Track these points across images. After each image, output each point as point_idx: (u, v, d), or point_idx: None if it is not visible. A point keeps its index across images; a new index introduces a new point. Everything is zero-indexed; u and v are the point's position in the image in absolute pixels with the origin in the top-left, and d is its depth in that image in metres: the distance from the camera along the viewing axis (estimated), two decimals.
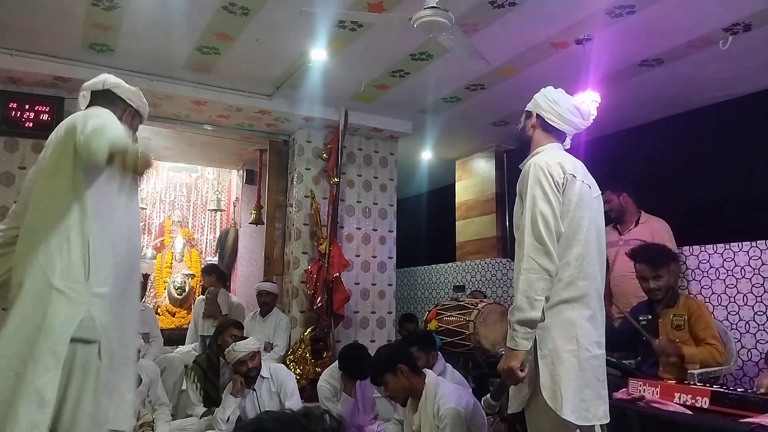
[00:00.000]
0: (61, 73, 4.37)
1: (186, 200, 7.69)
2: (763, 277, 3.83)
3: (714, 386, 2.40)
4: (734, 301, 3.97)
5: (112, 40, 4.07)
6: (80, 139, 1.81)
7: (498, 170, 6.41)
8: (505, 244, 6.20)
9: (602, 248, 2.25)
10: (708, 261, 4.14)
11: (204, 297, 5.38)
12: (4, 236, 1.99)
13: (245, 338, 3.93)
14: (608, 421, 2.10)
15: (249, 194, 6.80)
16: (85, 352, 1.77)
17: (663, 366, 3.02)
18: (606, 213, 2.57)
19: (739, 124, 4.64)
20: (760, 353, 3.77)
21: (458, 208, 6.94)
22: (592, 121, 2.39)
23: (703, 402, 2.25)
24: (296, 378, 4.17)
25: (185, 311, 6.81)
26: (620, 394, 2.50)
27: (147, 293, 6.62)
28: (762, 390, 2.37)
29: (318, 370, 4.65)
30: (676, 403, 2.32)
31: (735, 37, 3.77)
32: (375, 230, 5.77)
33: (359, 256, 5.65)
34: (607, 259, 2.71)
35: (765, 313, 3.81)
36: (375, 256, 5.73)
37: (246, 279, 6.78)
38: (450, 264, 6.79)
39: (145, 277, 5.74)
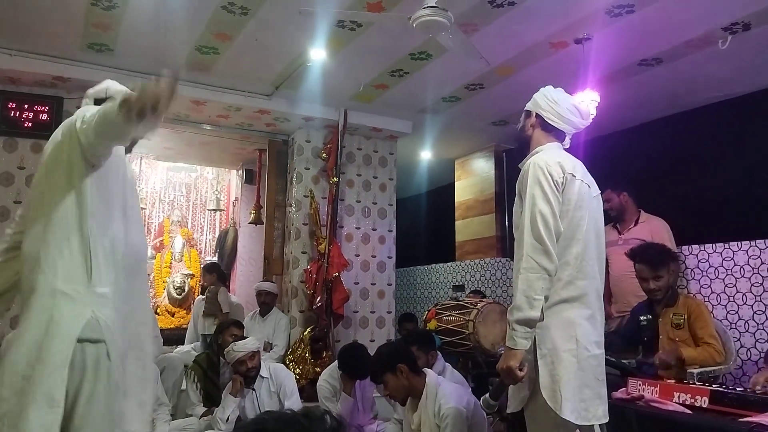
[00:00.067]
0: (61, 73, 4.37)
1: (185, 200, 7.69)
2: (762, 277, 3.84)
3: (713, 385, 2.40)
4: (733, 301, 3.97)
5: (112, 40, 4.07)
6: (82, 126, 1.79)
7: (497, 170, 6.41)
8: (504, 244, 6.20)
9: (601, 248, 2.25)
10: (707, 260, 4.14)
11: (204, 296, 5.39)
12: (11, 240, 1.99)
13: (245, 338, 3.93)
14: (607, 421, 2.10)
15: (248, 194, 6.80)
16: (93, 351, 1.76)
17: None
18: (606, 212, 2.58)
19: (738, 123, 4.65)
20: (760, 352, 3.77)
21: (458, 208, 6.94)
22: (591, 120, 2.39)
23: (703, 401, 2.25)
24: (296, 378, 4.17)
25: (185, 311, 6.81)
26: (619, 394, 2.50)
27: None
28: (758, 388, 2.38)
29: (317, 369, 4.66)
30: (676, 402, 2.32)
31: (734, 36, 3.77)
32: (374, 230, 5.77)
33: (359, 255, 5.66)
34: (607, 259, 2.71)
35: (764, 312, 3.82)
36: (374, 256, 5.73)
37: (245, 279, 6.78)
38: (449, 264, 6.80)
39: None
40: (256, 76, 4.68)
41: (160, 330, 5.15)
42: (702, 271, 4.17)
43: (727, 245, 4.04)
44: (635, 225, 4.12)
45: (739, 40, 3.80)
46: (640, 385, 2.48)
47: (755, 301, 3.86)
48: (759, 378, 2.52)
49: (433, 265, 7.05)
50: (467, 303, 4.39)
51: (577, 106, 2.32)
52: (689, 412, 2.26)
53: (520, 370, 2.01)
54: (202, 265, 6.67)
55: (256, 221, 6.16)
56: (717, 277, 4.08)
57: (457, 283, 6.48)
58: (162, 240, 7.32)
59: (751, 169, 4.48)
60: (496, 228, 6.33)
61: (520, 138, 2.39)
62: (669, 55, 4.10)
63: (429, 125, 5.73)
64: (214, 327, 4.62)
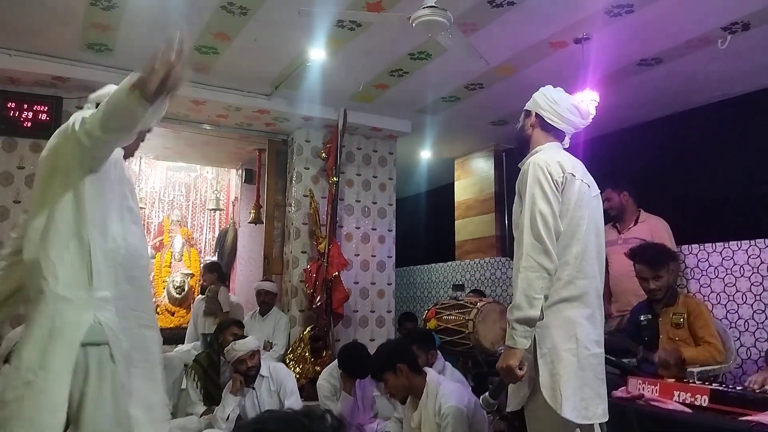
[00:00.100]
0: (60, 73, 4.37)
1: (185, 200, 7.68)
2: (762, 276, 3.84)
3: (713, 384, 2.40)
4: (733, 300, 3.98)
5: (111, 40, 4.07)
6: (82, 127, 1.76)
7: (497, 169, 6.42)
8: (504, 243, 6.20)
9: (601, 247, 2.26)
10: (707, 260, 4.15)
11: (204, 296, 5.39)
12: (16, 244, 1.99)
13: (245, 337, 3.94)
14: (607, 420, 2.10)
15: (248, 193, 6.80)
16: (97, 354, 1.76)
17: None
18: (606, 211, 2.57)
19: (738, 123, 4.65)
20: (759, 351, 3.78)
21: (457, 207, 6.95)
22: (591, 120, 2.39)
23: (703, 400, 2.25)
24: (296, 377, 4.17)
25: (184, 310, 6.80)
26: (620, 393, 2.50)
27: None
28: (756, 387, 2.38)
29: (317, 368, 4.66)
30: (676, 401, 2.32)
31: (734, 36, 3.77)
32: (374, 229, 5.77)
33: (358, 255, 5.66)
34: (606, 258, 2.71)
35: (764, 311, 3.82)
36: (374, 256, 5.73)
37: (245, 278, 6.78)
38: (449, 263, 6.80)
39: None
40: (256, 76, 4.68)
41: (160, 329, 5.14)
42: (702, 270, 4.17)
43: (726, 245, 4.04)
44: (635, 224, 4.12)
45: (739, 39, 3.80)
46: (640, 384, 2.49)
47: (755, 301, 3.86)
48: (758, 378, 2.52)
49: (432, 265, 7.05)
50: (467, 302, 4.39)
51: (576, 105, 2.32)
52: (689, 410, 2.26)
53: (520, 369, 2.01)
54: (202, 265, 6.67)
55: (256, 221, 6.16)
56: (717, 277, 4.08)
57: (456, 283, 6.45)
58: (162, 239, 7.32)
59: (750, 168, 4.48)
60: (495, 227, 6.33)
61: (519, 138, 2.38)
62: (669, 55, 4.10)
63: (429, 125, 5.73)
64: (214, 326, 4.62)
